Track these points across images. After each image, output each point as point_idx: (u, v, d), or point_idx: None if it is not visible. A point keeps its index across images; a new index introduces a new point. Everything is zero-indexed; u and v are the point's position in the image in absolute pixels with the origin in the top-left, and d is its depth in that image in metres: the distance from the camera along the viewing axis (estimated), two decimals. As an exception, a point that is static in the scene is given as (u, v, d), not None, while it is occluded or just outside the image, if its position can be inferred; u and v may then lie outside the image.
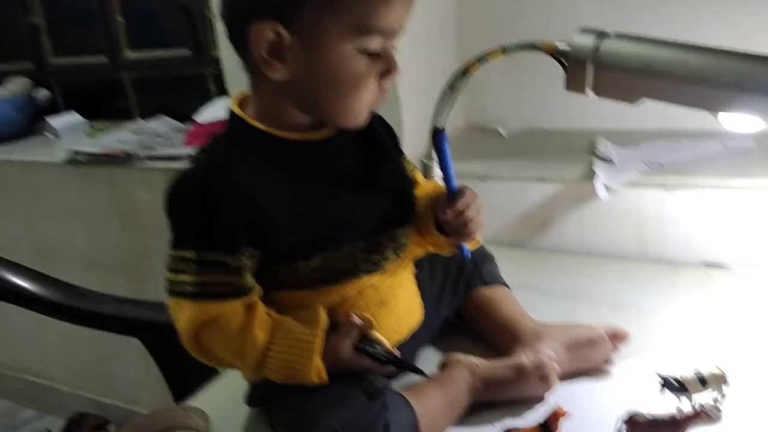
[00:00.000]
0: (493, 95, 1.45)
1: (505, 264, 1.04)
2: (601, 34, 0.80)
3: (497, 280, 0.93)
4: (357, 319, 0.73)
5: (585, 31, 0.82)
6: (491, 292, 0.90)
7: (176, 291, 0.69)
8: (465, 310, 0.91)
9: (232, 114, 0.73)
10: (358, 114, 0.70)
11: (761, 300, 0.94)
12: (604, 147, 1.18)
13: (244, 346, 0.70)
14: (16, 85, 2.07)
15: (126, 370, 1.79)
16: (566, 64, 0.84)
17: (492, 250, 1.10)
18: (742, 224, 1.01)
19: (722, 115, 0.79)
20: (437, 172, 1.02)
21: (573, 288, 1.02)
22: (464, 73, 0.93)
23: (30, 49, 2.17)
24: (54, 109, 2.15)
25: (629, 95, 0.80)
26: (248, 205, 0.67)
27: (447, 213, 0.77)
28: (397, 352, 0.74)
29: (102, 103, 2.13)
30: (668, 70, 0.76)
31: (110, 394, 1.99)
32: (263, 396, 0.77)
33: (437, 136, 0.77)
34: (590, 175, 1.10)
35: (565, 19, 1.23)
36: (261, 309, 0.71)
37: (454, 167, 0.78)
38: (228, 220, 0.67)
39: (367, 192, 0.76)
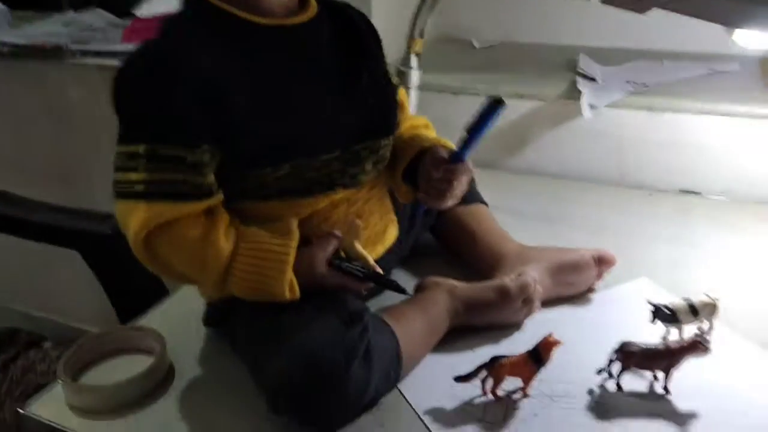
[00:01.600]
0: (466, 3, 1.36)
1: (480, 185, 0.98)
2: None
3: (476, 198, 0.87)
4: (336, 232, 0.65)
5: (595, -74, 0.74)
6: (470, 211, 0.84)
7: (125, 192, 0.60)
8: (441, 229, 0.85)
9: None
10: None
11: (741, 228, 0.92)
12: (587, 64, 1.12)
13: (205, 256, 0.61)
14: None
15: (62, 281, 1.68)
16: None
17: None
18: (724, 151, 0.98)
19: (738, 32, 0.74)
20: (413, 80, 0.94)
21: (551, 211, 0.97)
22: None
23: None
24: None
25: (639, 3, 0.73)
26: (206, 88, 0.58)
27: (438, 171, 0.68)
28: (378, 269, 0.67)
29: (27, -9, 1.90)
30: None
31: (44, 307, 1.88)
32: (224, 315, 0.70)
33: (494, 108, 0.65)
34: (572, 92, 1.04)
35: None
36: (224, 215, 0.63)
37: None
38: (183, 106, 0.57)
39: (346, 93, 0.67)
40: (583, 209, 0.97)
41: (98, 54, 1.42)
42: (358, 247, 0.66)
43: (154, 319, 0.79)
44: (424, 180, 0.70)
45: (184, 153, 0.58)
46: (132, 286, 0.94)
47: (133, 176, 0.59)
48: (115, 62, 1.32)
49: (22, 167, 1.66)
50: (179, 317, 0.77)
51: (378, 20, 1.12)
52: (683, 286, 0.77)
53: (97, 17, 1.69)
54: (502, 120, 1.08)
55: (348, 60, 0.68)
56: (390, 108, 0.72)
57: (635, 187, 1.03)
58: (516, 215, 0.96)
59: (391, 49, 0.93)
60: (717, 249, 0.87)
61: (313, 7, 0.67)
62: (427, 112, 0.98)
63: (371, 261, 0.67)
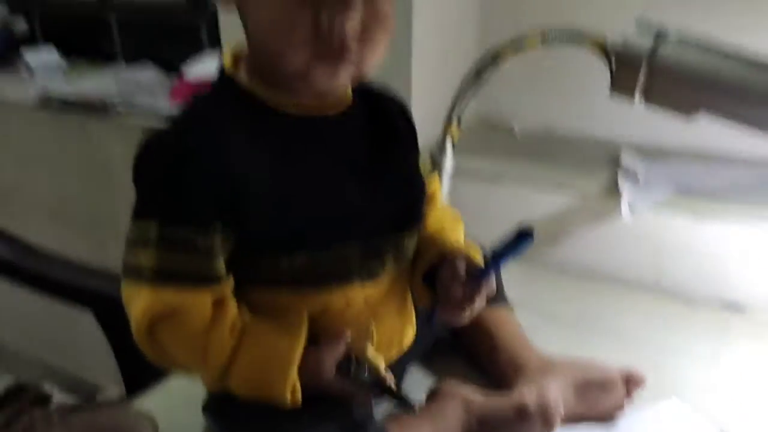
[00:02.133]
0: (508, 89, 1.33)
1: (509, 278, 0.94)
2: (661, 33, 0.70)
3: (501, 299, 0.82)
4: (347, 334, 0.61)
5: (642, 26, 0.71)
6: (493, 313, 0.79)
7: (132, 272, 0.57)
8: (461, 329, 0.80)
9: (221, 69, 0.62)
10: (292, 60, 0.55)
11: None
12: (630, 160, 1.08)
13: (206, 349, 0.58)
14: (-9, 11, 1.92)
15: (78, 335, 1.67)
16: (614, 63, 0.73)
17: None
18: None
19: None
20: (446, 167, 0.92)
21: (581, 314, 0.92)
22: (494, 59, 0.83)
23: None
24: (31, 42, 2.00)
25: (685, 108, 0.70)
26: (223, 172, 0.55)
27: (457, 288, 0.64)
28: (390, 378, 0.62)
29: (84, 42, 1.97)
30: (736, 85, 0.65)
31: (59, 358, 1.87)
32: (223, 407, 0.65)
33: (523, 238, 0.61)
34: (612, 189, 1.00)
35: (602, 10, 1.11)
36: (232, 306, 0.60)
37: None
38: (199, 188, 0.55)
39: (371, 185, 0.64)
40: (615, 315, 0.92)
41: (141, 112, 1.44)
42: (371, 353, 0.61)
43: (153, 398, 0.76)
44: (443, 292, 0.66)
45: (195, 236, 0.56)
46: (141, 354, 0.91)
47: (142, 257, 0.56)
48: (158, 121, 1.34)
49: (57, 216, 1.68)
50: (180, 400, 0.73)
51: (417, 104, 1.12)
52: (718, 410, 0.71)
53: (147, 73, 1.74)
54: (538, 212, 1.06)
55: (377, 151, 0.66)
56: (415, 203, 0.69)
57: (673, 296, 0.97)
58: (544, 315, 0.91)
59: (428, 134, 0.91)
60: (759, 372, 0.80)
61: (348, 97, 0.65)
62: (462, 199, 0.95)
63: (383, 370, 0.62)
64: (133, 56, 1.85)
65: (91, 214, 1.61)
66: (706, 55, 0.68)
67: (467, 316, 0.66)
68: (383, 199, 0.65)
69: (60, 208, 1.67)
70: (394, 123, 0.68)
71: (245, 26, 0.59)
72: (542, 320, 0.89)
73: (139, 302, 0.57)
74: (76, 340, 1.64)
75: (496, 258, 0.62)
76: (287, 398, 0.58)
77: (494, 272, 0.64)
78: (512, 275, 1.00)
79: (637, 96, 0.72)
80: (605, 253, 1.02)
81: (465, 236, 0.75)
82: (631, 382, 0.71)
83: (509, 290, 0.87)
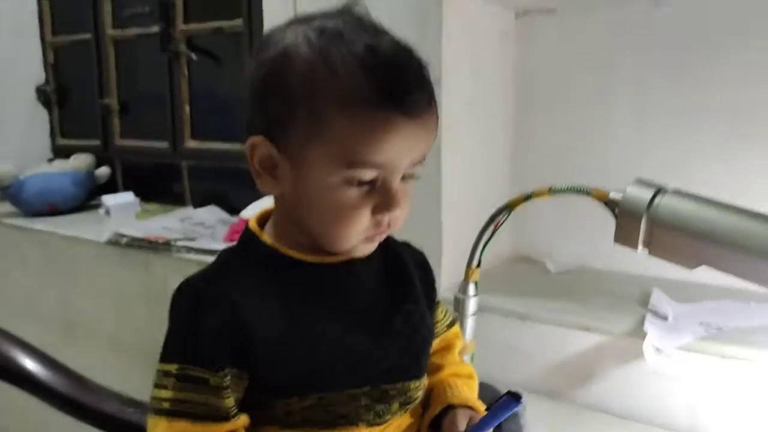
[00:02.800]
0: (544, 227, 1.39)
1: (536, 415, 0.94)
2: (659, 189, 0.74)
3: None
4: None
5: (641, 182, 0.76)
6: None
7: (155, 407, 0.62)
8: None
9: (247, 227, 0.69)
10: (347, 244, 0.64)
11: None
12: (659, 300, 1.09)
13: None
14: (79, 160, 2.14)
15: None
16: (617, 215, 0.77)
17: (523, 396, 1.00)
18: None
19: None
20: (468, 308, 0.95)
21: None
22: (508, 208, 0.88)
23: (100, 129, 2.25)
24: (113, 187, 2.20)
25: (686, 259, 0.72)
26: (234, 318, 0.61)
27: None
28: None
29: (158, 187, 2.16)
30: (734, 239, 0.68)
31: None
32: None
33: (510, 403, 0.61)
34: (640, 330, 1.00)
35: (624, 166, 1.17)
36: None
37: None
38: (211, 331, 0.61)
39: (376, 332, 0.68)
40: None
41: (200, 250, 1.55)
42: None
43: None
44: None
45: (208, 375, 0.61)
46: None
47: (163, 393, 0.62)
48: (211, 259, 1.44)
49: (116, 345, 1.77)
50: None
51: (448, 250, 1.18)
52: None
53: (211, 214, 1.88)
54: (567, 351, 1.07)
55: (386, 298, 0.70)
56: (422, 353, 0.72)
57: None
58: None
59: (456, 272, 0.95)
60: None
61: None
62: (490, 336, 0.98)
63: None
64: (201, 200, 2.02)
65: (148, 343, 1.68)
66: (703, 207, 0.71)
67: None
68: (391, 347, 0.68)
69: (121, 337, 1.77)
70: (408, 270, 0.73)
71: (284, 201, 0.65)
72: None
73: None
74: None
75: (483, 421, 0.64)
76: None
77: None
78: (538, 412, 1.00)
79: (640, 247, 0.75)
80: (636, 394, 1.00)
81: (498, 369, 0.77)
82: None
83: (535, 428, 0.87)
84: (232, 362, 0.62)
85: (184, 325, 0.63)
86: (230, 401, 0.62)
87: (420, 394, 0.72)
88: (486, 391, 0.85)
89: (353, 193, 0.61)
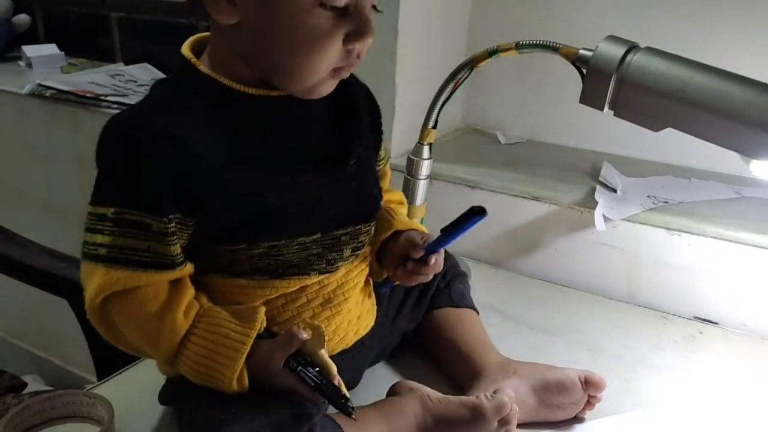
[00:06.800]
0: (496, 98, 1.35)
1: (479, 283, 0.95)
2: (632, 46, 0.70)
3: (467, 303, 0.82)
4: (302, 334, 0.61)
5: (613, 39, 0.72)
6: (457, 315, 0.80)
7: (89, 253, 0.58)
8: (425, 329, 0.81)
9: (180, 55, 0.62)
10: (313, 79, 0.59)
11: (753, 364, 0.85)
12: (609, 173, 1.09)
13: (159, 330, 0.58)
14: (-5, 5, 1.93)
15: (61, 325, 1.68)
16: (586, 73, 0.74)
17: (468, 264, 1.01)
18: (744, 281, 0.92)
19: (756, 163, 0.70)
20: (423, 170, 0.92)
21: (550, 322, 0.92)
22: (471, 64, 0.83)
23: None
24: (33, 38, 2.02)
25: (653, 121, 0.70)
26: (181, 157, 0.56)
27: (408, 262, 0.68)
28: (338, 381, 0.61)
29: (85, 40, 1.98)
30: (705, 100, 0.66)
31: (44, 347, 1.87)
32: (176, 394, 0.66)
33: (474, 217, 0.61)
34: (588, 200, 1.00)
35: (588, 29, 1.12)
36: (190, 291, 0.60)
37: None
38: (154, 172, 0.55)
39: (329, 174, 0.65)
40: (585, 324, 0.92)
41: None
42: (322, 354, 0.61)
43: (113, 385, 0.76)
44: (392, 266, 0.70)
45: (150, 220, 0.56)
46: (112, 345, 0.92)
47: (99, 239, 0.57)
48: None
49: (47, 206, 1.69)
50: (138, 388, 0.73)
51: (401, 108, 1.13)
52: (682, 425, 0.70)
53: (143, 72, 1.75)
54: (515, 220, 1.07)
55: (338, 139, 0.66)
56: (374, 195, 0.70)
57: (646, 308, 0.97)
58: (513, 320, 0.92)
59: (411, 136, 0.92)
60: (726, 386, 0.80)
61: None
62: (440, 202, 0.96)
63: (334, 372, 0.61)
64: (132, 56, 1.87)
65: (81, 205, 1.62)
66: (674, 65, 0.68)
67: (413, 283, 0.71)
68: (342, 191, 0.65)
69: (51, 199, 1.68)
70: (358, 107, 0.69)
71: (237, 32, 0.58)
72: (510, 325, 0.90)
73: (92, 282, 0.57)
74: (59, 331, 1.65)
75: (447, 234, 0.64)
76: (233, 385, 0.58)
77: (444, 246, 0.66)
78: (486, 278, 1.02)
79: (606, 107, 0.72)
80: (580, 263, 1.02)
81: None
82: (590, 385, 0.71)
83: (480, 294, 0.87)
84: (178, 206, 0.57)
85: (120, 165, 0.56)
86: (176, 248, 0.58)
87: (368, 238, 0.70)
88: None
89: (326, 19, 0.56)
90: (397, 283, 0.73)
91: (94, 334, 1.01)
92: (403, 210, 0.79)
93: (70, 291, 1.00)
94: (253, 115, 0.61)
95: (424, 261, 0.67)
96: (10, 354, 1.94)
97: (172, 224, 0.57)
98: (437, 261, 0.68)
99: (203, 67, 0.60)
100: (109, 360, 0.94)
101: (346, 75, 0.61)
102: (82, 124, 1.52)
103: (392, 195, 0.79)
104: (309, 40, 0.56)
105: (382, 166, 0.76)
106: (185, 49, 0.62)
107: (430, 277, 0.70)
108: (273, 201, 0.60)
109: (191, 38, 0.63)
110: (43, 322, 1.79)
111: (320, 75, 0.59)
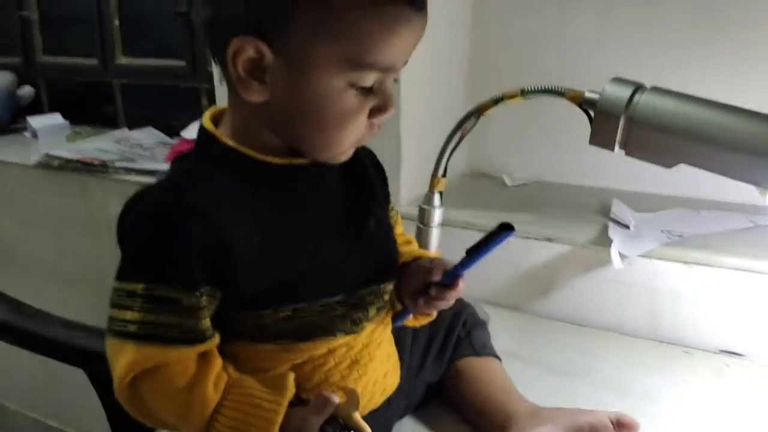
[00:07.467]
0: (500, 141, 1.36)
1: (499, 328, 0.94)
2: (638, 87, 0.72)
3: (489, 352, 0.82)
4: (335, 398, 0.60)
5: (619, 81, 0.73)
6: (480, 364, 0.80)
7: (117, 330, 0.57)
8: (448, 380, 0.80)
9: (202, 128, 0.63)
10: (340, 150, 0.62)
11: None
12: (620, 210, 1.09)
13: (190, 404, 0.57)
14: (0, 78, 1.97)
15: (76, 395, 1.65)
16: (593, 115, 0.75)
17: (487, 310, 1.00)
18: (765, 310, 0.91)
19: (771, 192, 0.70)
20: (435, 219, 0.92)
21: (573, 364, 0.91)
22: (477, 113, 0.84)
23: (20, 44, 2.07)
24: (37, 108, 2.05)
25: (665, 158, 0.71)
26: (210, 232, 0.56)
27: (432, 288, 0.67)
28: None
29: (88, 108, 2.02)
30: (714, 134, 0.67)
31: (58, 418, 1.85)
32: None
33: (503, 233, 0.61)
34: (602, 239, 1.00)
35: (587, 72, 1.14)
36: (218, 362, 0.60)
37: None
38: (185, 248, 0.55)
39: (352, 237, 0.65)
40: (609, 364, 0.91)
41: (141, 172, 1.46)
42: (357, 417, 0.60)
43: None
44: (410, 297, 0.70)
45: (182, 296, 0.56)
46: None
47: (128, 315, 0.57)
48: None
49: (56, 275, 1.69)
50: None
51: (407, 156, 1.14)
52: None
53: (148, 136, 1.77)
54: (529, 262, 1.06)
55: (355, 202, 0.67)
56: (394, 251, 0.71)
57: (669, 343, 0.96)
58: (535, 365, 0.90)
59: (419, 184, 0.92)
60: (761, 419, 0.79)
61: None
62: (450, 248, 0.95)
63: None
64: (136, 120, 1.90)
65: (91, 272, 1.62)
66: (682, 103, 0.69)
67: (434, 314, 0.72)
68: (364, 251, 0.66)
69: (61, 267, 1.68)
70: (368, 171, 0.70)
71: (266, 108, 0.59)
72: (533, 370, 0.89)
73: (123, 359, 0.57)
74: (74, 402, 1.63)
75: (473, 254, 0.63)
76: None
77: (471, 267, 0.65)
78: (503, 322, 1.01)
79: (617, 148, 0.73)
80: (599, 302, 1.01)
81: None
82: (624, 427, 0.70)
83: (500, 339, 0.86)
84: (207, 279, 0.57)
85: (149, 242, 0.56)
86: (206, 321, 0.58)
87: (391, 296, 0.70)
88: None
89: (353, 98, 0.58)
90: (415, 313, 0.72)
91: (114, 405, 1.00)
92: (413, 247, 0.79)
93: (88, 361, 0.99)
94: (277, 185, 0.62)
95: (448, 285, 0.66)
96: (25, 426, 1.91)
97: (204, 298, 0.57)
98: (458, 286, 0.67)
99: (226, 138, 0.61)
100: (128, 430, 0.93)
101: (367, 142, 0.63)
102: (91, 191, 1.53)
103: (404, 237, 0.79)
104: (337, 118, 0.58)
105: (393, 217, 0.77)
106: (206, 121, 0.63)
107: (452, 302, 0.68)
108: (298, 266, 0.61)
109: (210, 110, 0.64)
110: (57, 392, 1.77)
111: (346, 146, 0.61)
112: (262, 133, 0.61)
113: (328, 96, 0.57)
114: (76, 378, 1.25)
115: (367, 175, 0.69)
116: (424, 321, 0.75)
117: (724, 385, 0.87)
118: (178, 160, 0.63)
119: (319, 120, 0.58)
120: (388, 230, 0.71)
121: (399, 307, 0.72)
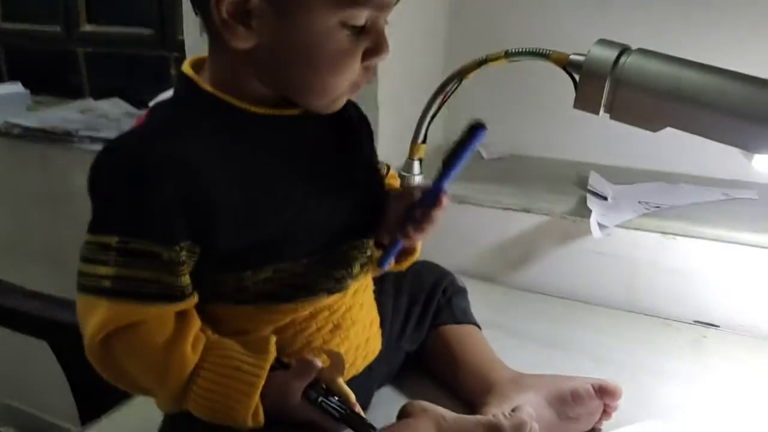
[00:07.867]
0: (476, 114, 1.33)
1: (477, 299, 0.92)
2: (624, 48, 0.70)
3: (469, 319, 0.81)
4: (318, 362, 0.58)
5: (605, 42, 0.71)
6: (461, 331, 0.78)
7: (89, 286, 0.54)
8: (429, 348, 0.78)
9: (182, 76, 0.59)
10: (334, 96, 0.58)
11: (757, 366, 0.84)
12: (597, 181, 1.08)
13: (167, 365, 0.55)
14: (-45, 44, 1.88)
15: (36, 371, 1.61)
16: (578, 78, 0.73)
17: (464, 281, 0.98)
18: (742, 282, 0.92)
19: (758, 158, 0.70)
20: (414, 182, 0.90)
21: (551, 335, 0.90)
22: (460, 75, 0.82)
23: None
24: (-3, 78, 1.97)
25: (650, 121, 0.69)
26: (190, 182, 0.53)
27: (416, 212, 0.62)
28: (358, 409, 0.59)
29: (51, 78, 1.95)
30: (701, 96, 0.65)
31: (17, 396, 1.79)
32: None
33: (475, 132, 0.59)
34: (580, 209, 1.00)
35: (570, 38, 1.12)
36: (196, 322, 0.57)
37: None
38: (164, 200, 0.52)
39: (337, 191, 0.63)
40: (588, 334, 0.90)
41: (106, 141, 1.41)
42: (341, 383, 0.58)
43: (106, 427, 0.72)
44: (395, 227, 0.64)
45: (160, 249, 0.53)
46: (98, 386, 0.87)
47: (102, 270, 0.53)
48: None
49: (17, 247, 1.63)
50: (129, 429, 0.69)
51: (385, 124, 1.11)
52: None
53: (114, 106, 1.72)
54: (506, 233, 1.05)
55: (342, 155, 0.65)
56: (379, 204, 0.68)
57: (646, 314, 0.96)
58: (515, 336, 0.89)
59: (397, 154, 0.90)
60: (733, 389, 0.79)
61: None
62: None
63: (353, 399, 0.59)
64: (102, 92, 1.83)
65: (52, 245, 1.57)
66: (669, 64, 0.68)
67: (421, 239, 0.65)
68: (349, 206, 0.63)
69: (20, 241, 1.62)
70: (354, 121, 0.68)
71: (252, 54, 0.56)
72: (513, 340, 0.88)
73: (95, 317, 0.53)
74: (35, 377, 1.58)
75: (450, 162, 0.60)
76: (248, 421, 0.55)
77: (451, 177, 0.61)
78: (482, 295, 0.99)
79: (602, 111, 0.71)
80: (577, 273, 1.01)
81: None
82: (606, 394, 0.69)
83: (478, 311, 0.85)
84: (188, 233, 0.54)
85: (124, 193, 0.53)
86: (186, 278, 0.55)
87: (374, 251, 0.68)
88: (430, 268, 0.82)
89: (346, 38, 0.55)
90: (405, 243, 0.65)
91: (79, 378, 0.97)
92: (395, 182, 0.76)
93: (51, 332, 0.95)
94: (260, 136, 0.59)
95: (433, 205, 0.62)
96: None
97: (183, 253, 0.54)
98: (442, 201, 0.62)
99: (208, 86, 0.58)
100: (95, 402, 0.90)
101: (361, 88, 0.60)
102: (53, 161, 1.48)
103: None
104: (331, 60, 0.55)
105: (387, 174, 0.74)
106: (187, 68, 0.59)
107: (440, 225, 0.63)
108: (280, 223, 0.58)
109: (190, 58, 0.61)
110: (17, 369, 1.72)
111: (341, 90, 0.58)
112: (247, 82, 0.58)
113: (319, 37, 0.54)
114: (37, 352, 1.21)
115: (353, 128, 0.67)
116: (407, 262, 0.70)
117: (703, 356, 0.87)
118: (157, 108, 0.60)
119: (311, 63, 0.55)
120: (374, 183, 0.69)
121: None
